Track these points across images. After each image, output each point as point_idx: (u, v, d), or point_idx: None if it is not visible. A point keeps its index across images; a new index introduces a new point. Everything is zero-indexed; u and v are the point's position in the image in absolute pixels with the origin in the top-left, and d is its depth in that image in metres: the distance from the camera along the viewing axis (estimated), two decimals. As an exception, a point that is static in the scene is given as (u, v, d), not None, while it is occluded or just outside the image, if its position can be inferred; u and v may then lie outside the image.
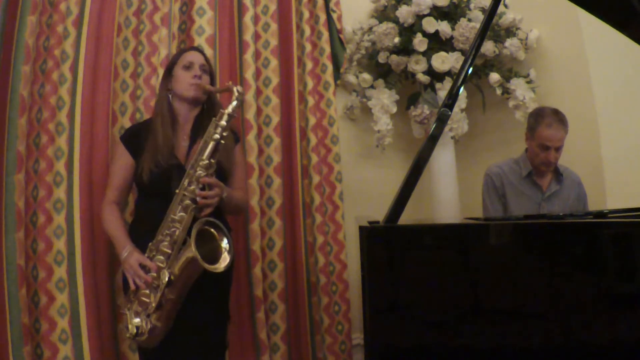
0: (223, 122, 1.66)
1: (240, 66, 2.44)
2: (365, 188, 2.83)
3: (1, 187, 1.91)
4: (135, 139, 1.78)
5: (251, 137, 2.38)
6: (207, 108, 1.84)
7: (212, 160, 1.64)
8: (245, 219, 2.36)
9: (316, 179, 2.54)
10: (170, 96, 1.82)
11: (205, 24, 2.33)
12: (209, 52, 2.31)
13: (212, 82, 1.87)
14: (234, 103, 1.68)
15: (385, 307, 1.25)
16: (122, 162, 1.78)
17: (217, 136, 1.65)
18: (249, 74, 2.41)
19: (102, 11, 2.16)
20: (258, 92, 2.46)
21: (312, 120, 2.58)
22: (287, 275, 2.44)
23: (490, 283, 1.25)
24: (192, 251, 1.53)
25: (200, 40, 2.31)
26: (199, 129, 1.79)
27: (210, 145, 1.64)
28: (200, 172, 1.63)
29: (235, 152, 1.87)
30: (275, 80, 2.49)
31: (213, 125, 1.66)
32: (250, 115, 2.39)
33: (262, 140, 2.47)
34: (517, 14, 2.70)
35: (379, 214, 1.41)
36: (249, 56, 2.42)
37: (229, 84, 1.73)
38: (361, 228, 1.26)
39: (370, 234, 1.26)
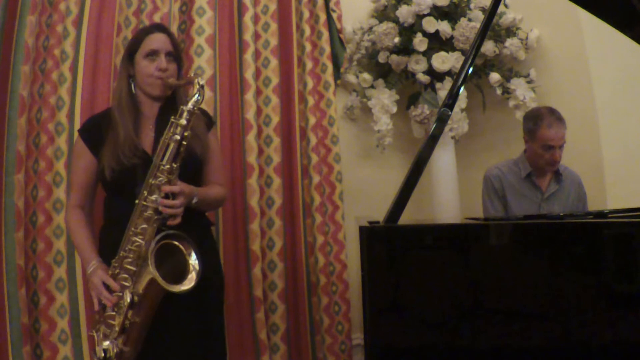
0: (183, 121, 1.47)
1: (240, 66, 2.44)
2: (365, 188, 2.83)
3: (1, 187, 1.91)
4: (95, 132, 1.60)
5: (251, 137, 2.38)
6: (174, 95, 1.65)
7: (175, 164, 1.46)
8: (245, 219, 2.36)
9: (316, 179, 2.54)
10: (132, 84, 1.63)
11: (205, 23, 2.32)
12: (208, 52, 2.32)
13: (180, 68, 1.67)
14: (195, 97, 1.48)
15: (386, 307, 1.25)
16: (83, 161, 1.61)
17: (177, 137, 1.46)
18: (249, 74, 2.41)
19: (101, 11, 2.16)
20: (258, 92, 2.46)
21: (312, 120, 2.58)
22: (287, 276, 2.44)
23: (491, 283, 1.25)
24: (150, 272, 1.40)
25: (200, 40, 2.31)
26: (165, 117, 1.55)
27: (171, 147, 1.45)
28: (161, 178, 1.45)
29: (208, 138, 1.69)
30: (275, 80, 2.49)
31: (172, 124, 1.47)
32: (250, 115, 2.39)
33: (262, 140, 2.47)
34: (518, 13, 2.69)
35: (379, 214, 1.41)
36: (248, 56, 2.42)
37: (191, 75, 1.58)
38: (361, 228, 1.26)
39: (370, 234, 1.25)
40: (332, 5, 2.68)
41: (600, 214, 1.51)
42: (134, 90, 1.63)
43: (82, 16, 2.11)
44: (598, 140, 2.53)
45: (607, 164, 2.51)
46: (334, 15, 2.68)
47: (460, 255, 1.27)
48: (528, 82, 2.65)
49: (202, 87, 1.50)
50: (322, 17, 2.65)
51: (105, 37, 2.15)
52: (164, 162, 1.45)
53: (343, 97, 2.83)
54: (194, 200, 1.54)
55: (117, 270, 1.47)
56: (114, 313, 1.45)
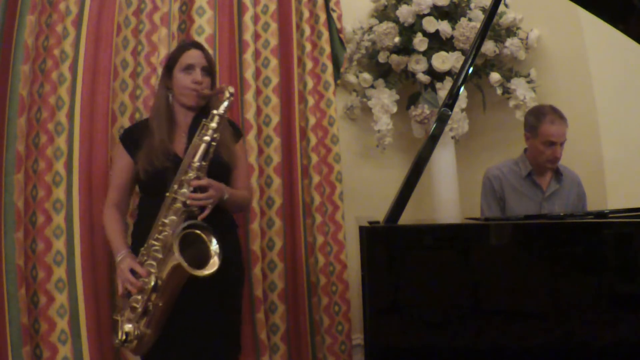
0: (213, 124, 1.63)
1: (240, 66, 2.43)
2: (365, 188, 2.83)
3: (0, 187, 1.91)
4: (134, 138, 1.77)
5: (251, 137, 2.38)
6: (206, 106, 1.80)
7: (204, 163, 1.61)
8: (245, 219, 2.36)
9: (316, 179, 2.54)
10: (170, 95, 1.80)
11: (204, 23, 2.32)
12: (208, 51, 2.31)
13: (214, 81, 1.84)
14: (225, 103, 1.65)
15: (386, 308, 1.25)
16: (122, 163, 1.77)
17: (207, 138, 1.61)
18: (248, 74, 2.41)
19: (101, 11, 2.16)
20: (258, 92, 2.46)
21: (312, 120, 2.58)
22: (287, 276, 2.43)
23: (491, 283, 1.24)
24: (176, 258, 1.50)
25: (200, 40, 2.30)
26: (198, 126, 1.72)
27: (202, 147, 1.61)
28: (191, 174, 1.60)
29: (236, 148, 1.84)
30: (275, 80, 2.49)
31: (203, 126, 1.64)
32: (250, 115, 2.38)
33: (262, 140, 2.46)
34: (518, 13, 2.69)
35: (379, 214, 1.41)
36: (248, 56, 2.42)
37: (222, 85, 1.72)
38: (361, 228, 1.26)
39: (370, 234, 1.25)
40: (332, 5, 2.67)
41: (600, 214, 1.51)
42: (171, 101, 1.79)
43: (81, 16, 2.11)
44: (598, 140, 2.53)
45: (607, 164, 2.51)
46: (334, 15, 2.68)
47: (460, 255, 1.27)
48: (528, 82, 2.65)
49: (231, 94, 1.66)
50: (322, 17, 2.65)
51: (105, 37, 2.15)
52: (195, 160, 1.60)
53: (343, 97, 2.83)
54: (226, 196, 1.68)
55: (145, 258, 1.59)
56: (139, 297, 1.56)
